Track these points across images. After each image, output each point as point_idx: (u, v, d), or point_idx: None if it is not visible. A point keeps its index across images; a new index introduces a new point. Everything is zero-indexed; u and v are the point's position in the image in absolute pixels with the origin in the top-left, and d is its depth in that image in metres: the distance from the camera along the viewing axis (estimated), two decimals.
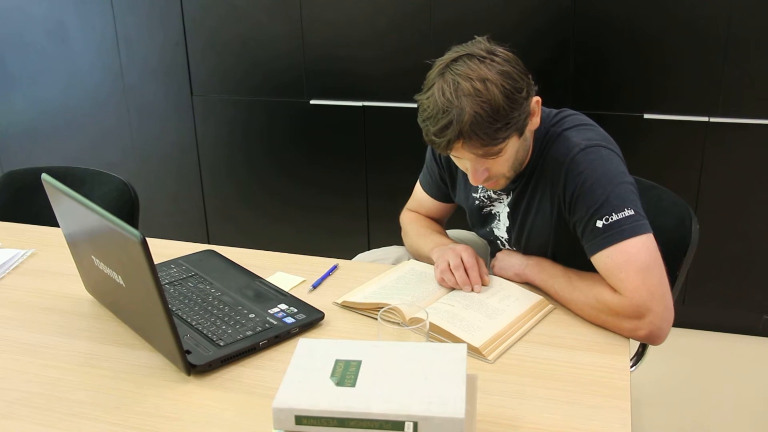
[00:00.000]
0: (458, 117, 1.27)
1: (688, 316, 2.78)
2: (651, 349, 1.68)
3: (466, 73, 1.28)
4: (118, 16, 3.01)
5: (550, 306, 1.42)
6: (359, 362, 0.99)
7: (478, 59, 1.30)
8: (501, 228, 1.58)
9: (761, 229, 2.58)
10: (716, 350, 2.69)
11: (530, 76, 1.35)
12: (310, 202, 3.05)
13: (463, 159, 1.38)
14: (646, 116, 2.55)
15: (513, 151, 1.37)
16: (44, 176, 1.35)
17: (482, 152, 1.32)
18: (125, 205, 2.02)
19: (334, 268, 1.61)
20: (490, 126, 1.27)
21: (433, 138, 1.32)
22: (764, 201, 2.54)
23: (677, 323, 1.70)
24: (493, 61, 1.30)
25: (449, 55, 1.34)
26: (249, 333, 1.31)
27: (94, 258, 1.32)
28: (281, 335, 1.32)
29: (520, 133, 1.35)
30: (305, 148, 2.98)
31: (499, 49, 1.33)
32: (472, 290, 1.43)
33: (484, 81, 1.27)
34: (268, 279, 1.54)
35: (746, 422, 2.30)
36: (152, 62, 3.05)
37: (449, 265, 1.45)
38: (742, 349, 2.69)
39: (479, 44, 1.34)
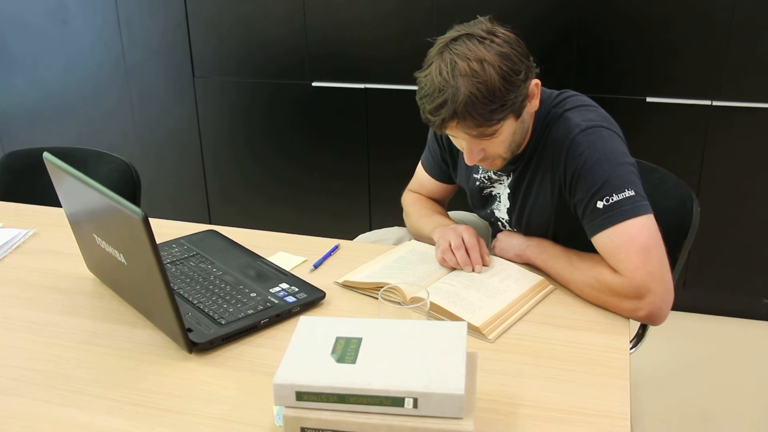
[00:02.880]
0: (453, 97, 1.26)
1: (688, 300, 2.79)
2: (651, 333, 1.69)
3: (464, 53, 1.28)
4: None
5: (551, 286, 1.43)
6: (360, 339, 1.00)
7: (478, 39, 1.29)
8: (501, 209, 1.58)
9: (763, 213, 2.58)
10: (716, 334, 2.70)
11: (531, 59, 1.35)
12: (311, 184, 3.06)
13: (460, 138, 1.38)
14: (648, 99, 2.54)
15: (509, 133, 1.37)
16: (46, 155, 1.35)
17: (476, 133, 1.32)
18: (127, 186, 2.02)
19: (336, 248, 1.62)
20: (484, 107, 1.27)
21: (429, 116, 1.32)
22: (766, 185, 2.54)
23: (677, 307, 1.69)
24: (492, 42, 1.29)
25: (450, 34, 1.33)
26: (250, 312, 1.31)
27: (95, 236, 1.32)
28: (282, 314, 1.32)
29: (517, 115, 1.35)
30: (307, 130, 2.98)
31: (501, 30, 1.32)
32: (473, 270, 1.44)
33: (482, 62, 1.27)
34: (269, 259, 1.55)
35: (746, 406, 2.31)
36: (154, 44, 3.04)
37: (450, 245, 1.46)
38: (742, 333, 2.70)
39: (481, 24, 1.33)
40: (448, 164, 1.67)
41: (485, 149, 1.38)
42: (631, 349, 1.53)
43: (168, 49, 3.03)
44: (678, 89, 2.52)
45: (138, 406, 1.10)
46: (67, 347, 1.26)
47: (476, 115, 1.28)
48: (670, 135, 2.57)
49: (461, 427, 0.89)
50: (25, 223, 1.79)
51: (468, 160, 1.40)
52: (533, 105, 1.39)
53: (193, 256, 1.55)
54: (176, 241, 1.63)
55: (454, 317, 1.28)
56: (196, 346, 1.23)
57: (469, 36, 1.30)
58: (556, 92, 1.49)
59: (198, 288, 1.41)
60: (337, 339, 1.00)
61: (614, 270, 1.32)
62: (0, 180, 2.13)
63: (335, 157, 2.98)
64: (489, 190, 1.59)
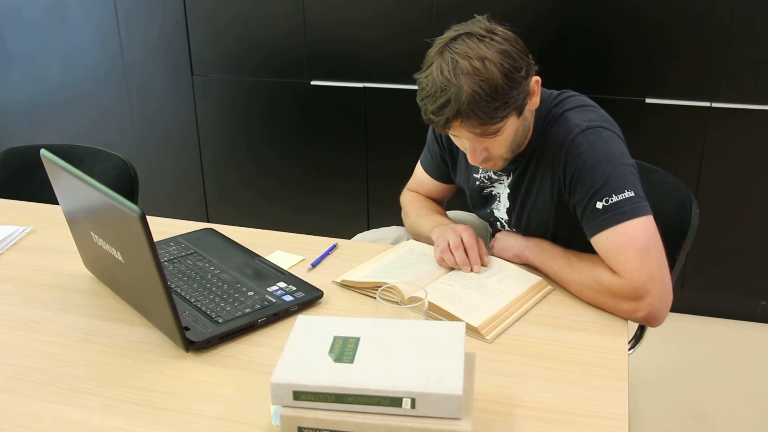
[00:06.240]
0: (456, 95, 1.26)
1: (686, 302, 2.79)
2: (649, 335, 1.69)
3: (465, 52, 1.27)
4: None
5: (549, 287, 1.42)
6: (357, 339, 0.99)
7: (478, 38, 1.29)
8: (501, 209, 1.58)
9: (761, 215, 2.58)
10: (714, 336, 2.70)
11: (530, 56, 1.34)
12: (309, 183, 3.05)
13: (462, 138, 1.38)
14: (648, 101, 2.54)
15: (512, 130, 1.36)
16: (43, 152, 1.34)
17: (480, 131, 1.31)
18: (125, 183, 2.01)
19: (334, 247, 1.61)
20: (488, 105, 1.27)
21: (432, 117, 1.31)
22: (764, 187, 2.54)
23: (675, 308, 1.67)
24: (492, 40, 1.29)
25: (448, 34, 1.33)
26: (247, 310, 1.31)
27: (93, 234, 1.31)
28: (280, 313, 1.32)
29: (519, 112, 1.34)
30: (305, 128, 2.97)
31: (499, 28, 1.32)
32: (472, 270, 1.43)
33: (483, 60, 1.26)
34: (267, 257, 1.54)
35: (743, 407, 2.31)
36: (152, 41, 3.04)
37: (449, 244, 1.45)
38: (740, 335, 2.70)
39: (479, 23, 1.33)
40: (447, 164, 1.67)
41: (488, 149, 1.38)
42: (629, 350, 1.53)
43: (166, 46, 3.02)
44: (677, 91, 2.52)
45: (135, 404, 1.10)
46: (63, 345, 1.26)
47: (480, 113, 1.27)
48: (669, 136, 2.57)
49: (459, 428, 0.89)
50: (22, 220, 1.78)
51: (471, 160, 1.39)
52: (534, 102, 1.39)
53: (191, 254, 1.54)
54: (174, 239, 1.62)
55: (452, 317, 1.28)
56: (193, 345, 1.22)
57: (469, 35, 1.30)
58: (556, 92, 1.49)
59: (195, 286, 1.40)
60: (335, 338, 1.00)
61: (613, 271, 1.31)
62: None
63: (333, 155, 2.97)
64: (489, 189, 1.59)
